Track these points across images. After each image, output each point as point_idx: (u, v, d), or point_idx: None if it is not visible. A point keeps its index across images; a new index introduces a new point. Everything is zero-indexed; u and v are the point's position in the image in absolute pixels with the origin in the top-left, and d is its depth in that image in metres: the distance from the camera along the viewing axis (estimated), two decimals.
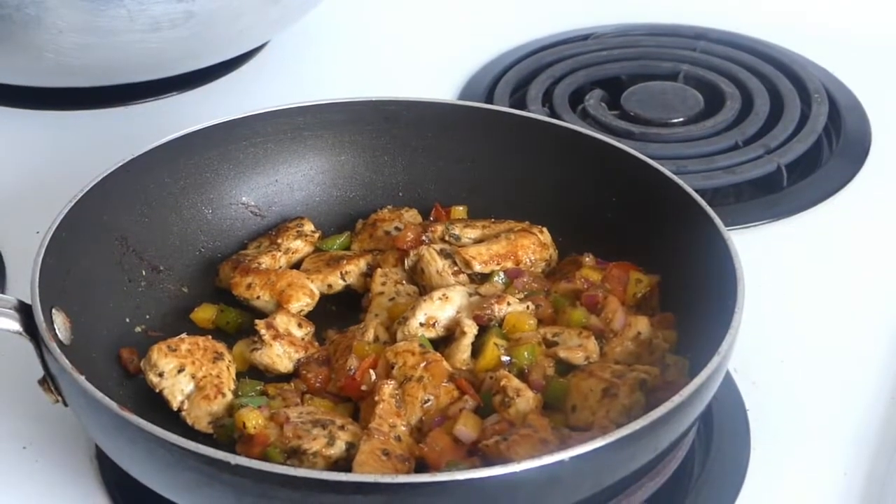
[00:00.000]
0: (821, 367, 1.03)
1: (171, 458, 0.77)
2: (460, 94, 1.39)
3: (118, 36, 1.21)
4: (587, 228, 1.05)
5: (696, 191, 0.97)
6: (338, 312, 1.04)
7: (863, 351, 1.05)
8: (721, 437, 0.95)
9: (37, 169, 1.26)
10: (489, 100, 1.36)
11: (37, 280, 0.88)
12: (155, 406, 0.92)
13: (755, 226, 1.18)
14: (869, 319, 1.08)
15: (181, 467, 0.77)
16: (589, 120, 1.32)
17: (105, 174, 0.99)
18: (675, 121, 1.31)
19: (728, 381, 0.99)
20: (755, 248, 1.12)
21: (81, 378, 0.81)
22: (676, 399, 0.78)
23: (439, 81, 1.41)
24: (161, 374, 0.92)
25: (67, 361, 0.82)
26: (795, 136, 1.29)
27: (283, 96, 1.12)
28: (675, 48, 1.45)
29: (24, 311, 0.87)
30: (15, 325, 0.87)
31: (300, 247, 1.07)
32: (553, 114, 1.32)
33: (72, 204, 0.96)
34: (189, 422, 0.91)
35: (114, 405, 0.79)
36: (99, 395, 0.80)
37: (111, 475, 0.91)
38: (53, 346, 0.83)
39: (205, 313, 1.02)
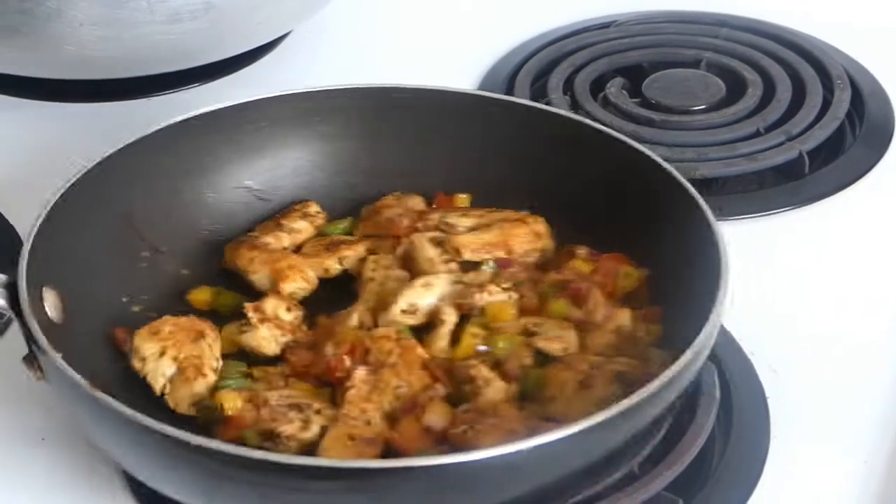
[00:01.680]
0: (841, 354, 1.00)
1: (137, 436, 0.76)
2: (481, 83, 1.37)
3: (138, 28, 1.21)
4: (587, 219, 1.03)
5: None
6: (338, 298, 1.02)
7: (884, 338, 1.02)
8: (741, 425, 0.93)
9: (58, 159, 1.26)
10: (510, 89, 1.34)
11: (26, 256, 0.88)
12: (147, 388, 0.91)
13: (777, 213, 1.16)
14: (890, 306, 1.06)
15: (146, 446, 0.77)
16: (610, 108, 1.30)
17: (107, 154, 1.00)
18: (697, 108, 1.29)
19: (748, 369, 0.97)
20: (777, 234, 1.11)
21: (57, 356, 0.81)
22: (643, 392, 0.77)
23: (460, 71, 1.39)
24: (144, 359, 0.91)
25: (43, 336, 0.82)
26: (817, 123, 1.26)
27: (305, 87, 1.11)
28: (696, 35, 1.42)
29: (12, 288, 0.87)
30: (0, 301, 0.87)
31: (304, 227, 1.07)
32: (574, 102, 1.31)
33: (70, 183, 0.96)
34: (171, 405, 0.90)
35: (84, 382, 0.79)
36: (70, 371, 0.79)
37: None
38: (32, 321, 0.83)
39: (201, 295, 1.01)
